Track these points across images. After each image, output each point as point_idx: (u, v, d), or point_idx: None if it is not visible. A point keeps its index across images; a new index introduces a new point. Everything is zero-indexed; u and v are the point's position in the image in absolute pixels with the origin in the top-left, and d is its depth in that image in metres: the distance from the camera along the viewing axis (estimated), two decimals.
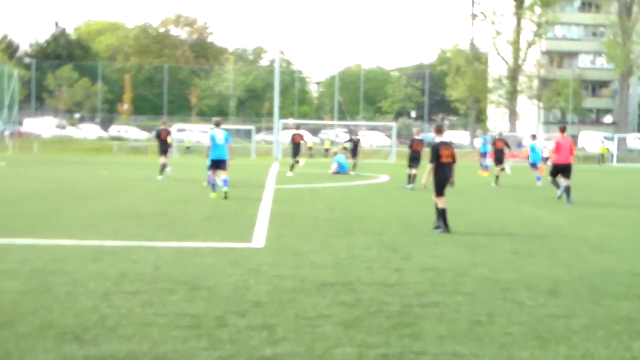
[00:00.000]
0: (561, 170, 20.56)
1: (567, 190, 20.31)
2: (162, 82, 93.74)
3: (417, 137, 25.88)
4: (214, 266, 9.29)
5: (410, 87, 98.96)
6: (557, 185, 21.29)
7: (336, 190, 23.47)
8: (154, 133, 30.21)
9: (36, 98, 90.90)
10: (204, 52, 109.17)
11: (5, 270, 8.68)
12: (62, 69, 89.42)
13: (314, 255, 10.29)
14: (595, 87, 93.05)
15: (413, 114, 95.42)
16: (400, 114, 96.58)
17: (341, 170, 32.76)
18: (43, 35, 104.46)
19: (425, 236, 12.60)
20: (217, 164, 19.52)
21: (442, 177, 13.32)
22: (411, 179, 24.89)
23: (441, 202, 13.28)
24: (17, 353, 5.65)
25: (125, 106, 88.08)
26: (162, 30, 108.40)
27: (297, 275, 8.81)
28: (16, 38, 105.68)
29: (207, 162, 19.72)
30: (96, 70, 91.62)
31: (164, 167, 27.28)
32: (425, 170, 13.61)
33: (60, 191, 20.62)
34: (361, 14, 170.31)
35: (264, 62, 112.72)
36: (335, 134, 74.31)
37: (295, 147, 31.47)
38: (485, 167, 35.03)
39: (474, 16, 72.86)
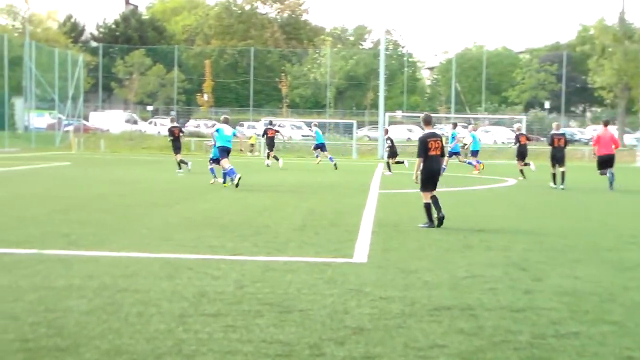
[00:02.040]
0: (605, 161, 25.46)
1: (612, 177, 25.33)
2: (248, 69, 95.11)
3: (556, 131, 27.56)
4: (307, 285, 9.36)
5: (544, 73, 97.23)
6: (605, 174, 25.76)
7: (453, 196, 23.25)
8: (167, 132, 34.27)
9: (103, 88, 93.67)
10: (296, 33, 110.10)
11: (69, 287, 8.98)
12: (132, 54, 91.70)
13: (426, 274, 10.24)
14: None
15: (547, 104, 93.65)
16: (530, 104, 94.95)
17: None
18: (111, 15, 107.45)
19: (561, 253, 12.35)
20: (227, 152, 24.81)
21: (430, 170, 15.16)
22: (556, 178, 26.72)
23: (425, 197, 15.12)
24: None
25: (205, 97, 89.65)
26: (247, 7, 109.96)
27: (406, 297, 8.79)
28: (81, 19, 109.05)
29: (211, 155, 25.37)
30: (172, 55, 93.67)
31: (181, 162, 32.07)
32: (415, 165, 15.53)
33: (130, 196, 21.18)
34: None
35: (367, 44, 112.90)
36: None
37: (270, 141, 38.87)
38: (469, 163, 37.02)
39: None
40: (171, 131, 33.04)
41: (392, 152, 35.09)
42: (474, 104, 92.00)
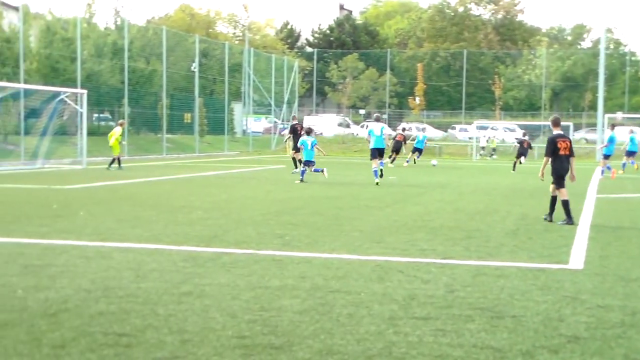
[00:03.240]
0: None
1: None
2: (460, 71, 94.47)
3: None
4: (520, 291, 9.21)
5: None
6: None
7: None
8: (285, 130, 34.95)
9: (317, 92, 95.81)
10: (511, 34, 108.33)
11: (284, 287, 9.24)
12: (346, 58, 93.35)
13: None
14: None
15: None
16: None
17: None
18: (326, 21, 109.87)
19: None
20: (378, 152, 27.36)
21: (560, 169, 16.21)
22: None
23: (562, 194, 16.07)
24: None
25: (417, 100, 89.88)
26: (461, 9, 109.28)
27: (627, 307, 8.48)
28: (297, 25, 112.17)
29: (304, 158, 28.08)
30: (384, 59, 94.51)
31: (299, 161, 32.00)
32: (542, 163, 16.62)
33: (341, 198, 21.53)
34: None
35: (585, 43, 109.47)
36: None
37: (397, 144, 42.77)
38: (622, 166, 37.56)
39: None
40: (294, 128, 34.02)
41: (519, 153, 38.91)
42: None
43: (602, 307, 8.42)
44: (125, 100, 50.11)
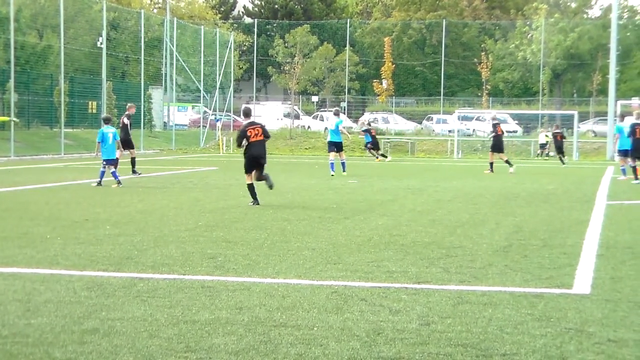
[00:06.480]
0: None
1: None
2: (438, 48, 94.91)
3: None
4: (512, 322, 9.28)
5: None
6: None
7: None
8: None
9: (259, 74, 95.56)
10: (501, 0, 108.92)
11: (215, 321, 9.21)
12: (295, 31, 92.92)
13: None
14: None
15: None
16: None
17: None
18: None
19: None
20: (335, 146, 34.93)
21: (252, 156, 21.47)
22: None
23: (248, 179, 21.64)
24: None
25: (384, 84, 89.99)
26: None
27: None
28: None
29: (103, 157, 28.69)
30: (343, 32, 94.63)
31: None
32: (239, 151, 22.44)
33: (289, 208, 21.54)
34: None
35: (593, 12, 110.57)
36: None
37: (373, 138, 51.44)
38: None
39: None
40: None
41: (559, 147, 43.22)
42: None
43: (614, 342, 8.51)
44: (12, 85, 49.53)
